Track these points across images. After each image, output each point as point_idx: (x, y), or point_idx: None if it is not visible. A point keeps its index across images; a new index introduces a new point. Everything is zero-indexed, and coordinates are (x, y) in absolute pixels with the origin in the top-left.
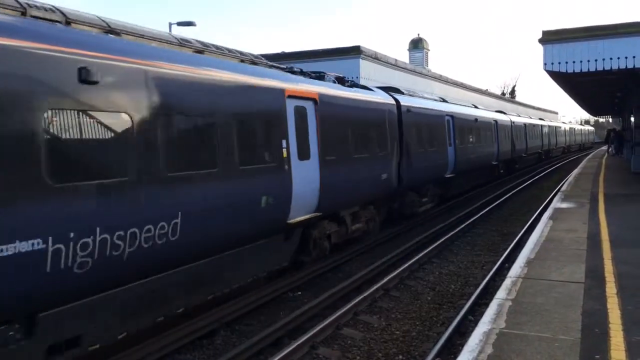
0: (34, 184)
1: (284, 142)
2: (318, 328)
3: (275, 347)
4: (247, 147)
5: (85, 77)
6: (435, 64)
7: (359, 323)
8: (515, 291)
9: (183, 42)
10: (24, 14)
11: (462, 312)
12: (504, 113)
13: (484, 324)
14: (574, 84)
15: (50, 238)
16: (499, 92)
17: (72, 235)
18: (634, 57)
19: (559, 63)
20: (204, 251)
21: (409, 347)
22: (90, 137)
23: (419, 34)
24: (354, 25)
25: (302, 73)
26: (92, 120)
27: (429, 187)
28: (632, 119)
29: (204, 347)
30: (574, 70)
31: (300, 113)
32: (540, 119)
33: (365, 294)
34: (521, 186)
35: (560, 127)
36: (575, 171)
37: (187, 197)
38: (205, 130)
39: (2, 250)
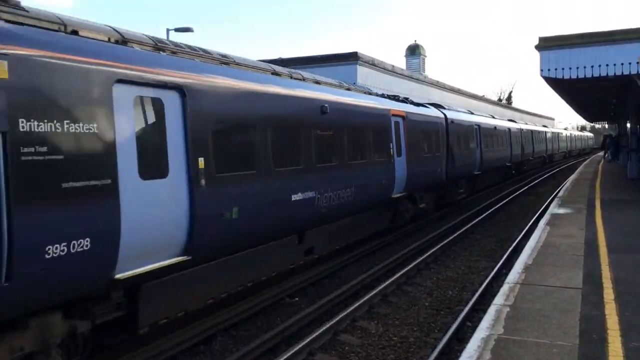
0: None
1: (390, 145)
2: (316, 334)
3: (273, 354)
4: (377, 147)
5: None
6: (432, 70)
7: (356, 329)
8: (513, 297)
9: (292, 74)
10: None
11: (460, 317)
12: (515, 122)
13: (482, 330)
14: (570, 90)
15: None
16: (495, 98)
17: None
18: (629, 63)
19: (555, 69)
20: (356, 210)
21: (407, 354)
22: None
23: (415, 40)
24: (351, 32)
25: (383, 95)
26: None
27: (463, 181)
28: (628, 125)
29: (201, 353)
30: (570, 77)
31: (397, 125)
32: (544, 126)
33: (363, 299)
34: (518, 192)
35: (562, 134)
36: (572, 177)
37: (359, 173)
38: (358, 138)
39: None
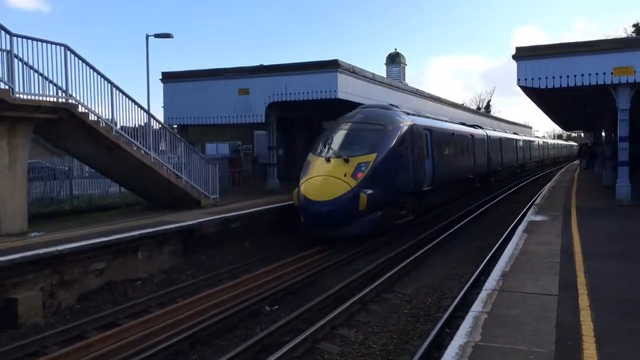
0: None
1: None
2: (295, 342)
3: None
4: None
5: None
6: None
7: (336, 337)
8: (491, 304)
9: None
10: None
11: (439, 325)
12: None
13: (460, 337)
14: (547, 99)
15: None
16: (474, 107)
17: None
18: (604, 73)
19: (532, 79)
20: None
21: None
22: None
23: (395, 49)
24: (331, 39)
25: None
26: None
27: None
28: (603, 134)
29: None
30: (546, 86)
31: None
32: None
33: (343, 307)
34: (496, 199)
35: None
36: (549, 185)
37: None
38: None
39: None
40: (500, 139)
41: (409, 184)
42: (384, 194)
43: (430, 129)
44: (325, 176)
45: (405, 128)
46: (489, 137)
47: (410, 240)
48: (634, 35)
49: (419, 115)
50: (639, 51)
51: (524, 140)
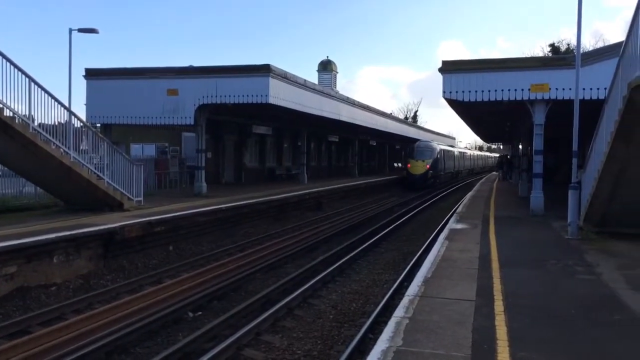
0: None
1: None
2: (218, 349)
3: None
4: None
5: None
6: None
7: (260, 343)
8: (413, 309)
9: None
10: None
11: (362, 330)
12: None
13: (382, 342)
14: (470, 112)
15: None
16: (402, 116)
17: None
18: (522, 89)
19: (456, 92)
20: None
21: None
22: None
23: (327, 57)
24: (264, 44)
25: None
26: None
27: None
28: (520, 146)
29: None
30: (469, 99)
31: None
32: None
33: (268, 313)
34: (421, 207)
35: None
36: (470, 194)
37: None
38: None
39: None
40: (452, 152)
41: (437, 171)
42: (432, 174)
43: (442, 150)
44: (418, 166)
45: (437, 149)
46: (447, 150)
47: (338, 245)
48: (551, 55)
49: (438, 143)
50: (555, 70)
51: (459, 152)
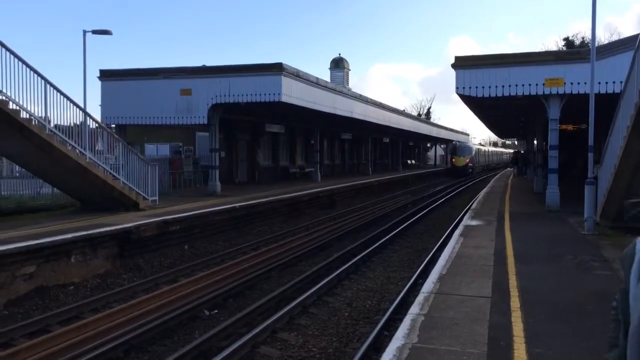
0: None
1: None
2: (234, 347)
3: None
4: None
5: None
6: (354, 84)
7: (276, 341)
8: (428, 306)
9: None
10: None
11: (378, 327)
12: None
13: (397, 339)
14: (483, 107)
15: None
16: (415, 113)
17: None
18: (537, 84)
19: (470, 87)
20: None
21: None
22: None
23: (340, 54)
24: (275, 42)
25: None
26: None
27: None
28: (535, 142)
29: None
30: (483, 95)
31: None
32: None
33: (283, 311)
34: (435, 204)
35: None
36: (484, 190)
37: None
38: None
39: None
40: (482, 150)
41: (474, 164)
42: (470, 166)
43: (477, 148)
44: (460, 160)
45: (474, 148)
46: (478, 148)
47: (351, 244)
48: (565, 49)
49: (474, 143)
50: (569, 64)
51: (485, 150)
